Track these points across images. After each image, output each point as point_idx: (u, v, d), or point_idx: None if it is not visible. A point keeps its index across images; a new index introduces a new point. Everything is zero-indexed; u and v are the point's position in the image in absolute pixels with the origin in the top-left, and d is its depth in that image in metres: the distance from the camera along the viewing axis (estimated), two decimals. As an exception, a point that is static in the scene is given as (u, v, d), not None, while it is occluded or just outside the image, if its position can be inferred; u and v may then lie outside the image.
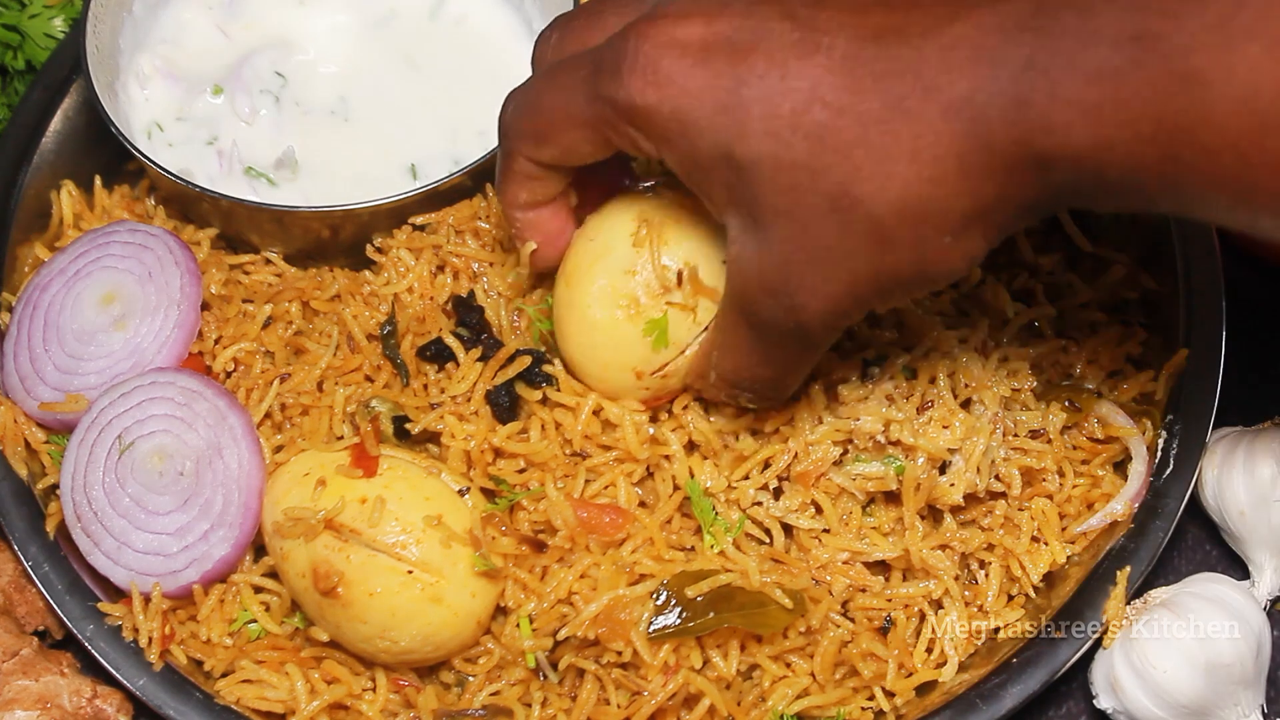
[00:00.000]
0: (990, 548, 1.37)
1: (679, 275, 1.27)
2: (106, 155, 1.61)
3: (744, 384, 1.27)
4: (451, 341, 1.40)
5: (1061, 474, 1.39)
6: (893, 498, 1.34)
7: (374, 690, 1.35)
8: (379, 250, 1.50)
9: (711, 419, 1.35)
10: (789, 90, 1.05)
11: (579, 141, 1.18)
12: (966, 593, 1.36)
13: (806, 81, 1.04)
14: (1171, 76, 0.91)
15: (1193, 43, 0.90)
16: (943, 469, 1.32)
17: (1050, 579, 1.38)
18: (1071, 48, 0.95)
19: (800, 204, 1.06)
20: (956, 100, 1.00)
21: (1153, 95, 0.92)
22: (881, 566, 1.36)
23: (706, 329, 1.29)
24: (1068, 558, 1.38)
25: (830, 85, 1.04)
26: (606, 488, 1.35)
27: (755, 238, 1.11)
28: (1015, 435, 1.37)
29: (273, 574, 1.38)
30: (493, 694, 1.33)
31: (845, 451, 1.33)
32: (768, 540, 1.34)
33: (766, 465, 1.34)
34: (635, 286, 1.29)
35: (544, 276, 1.41)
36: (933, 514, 1.36)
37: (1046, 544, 1.38)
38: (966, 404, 1.33)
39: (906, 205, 1.03)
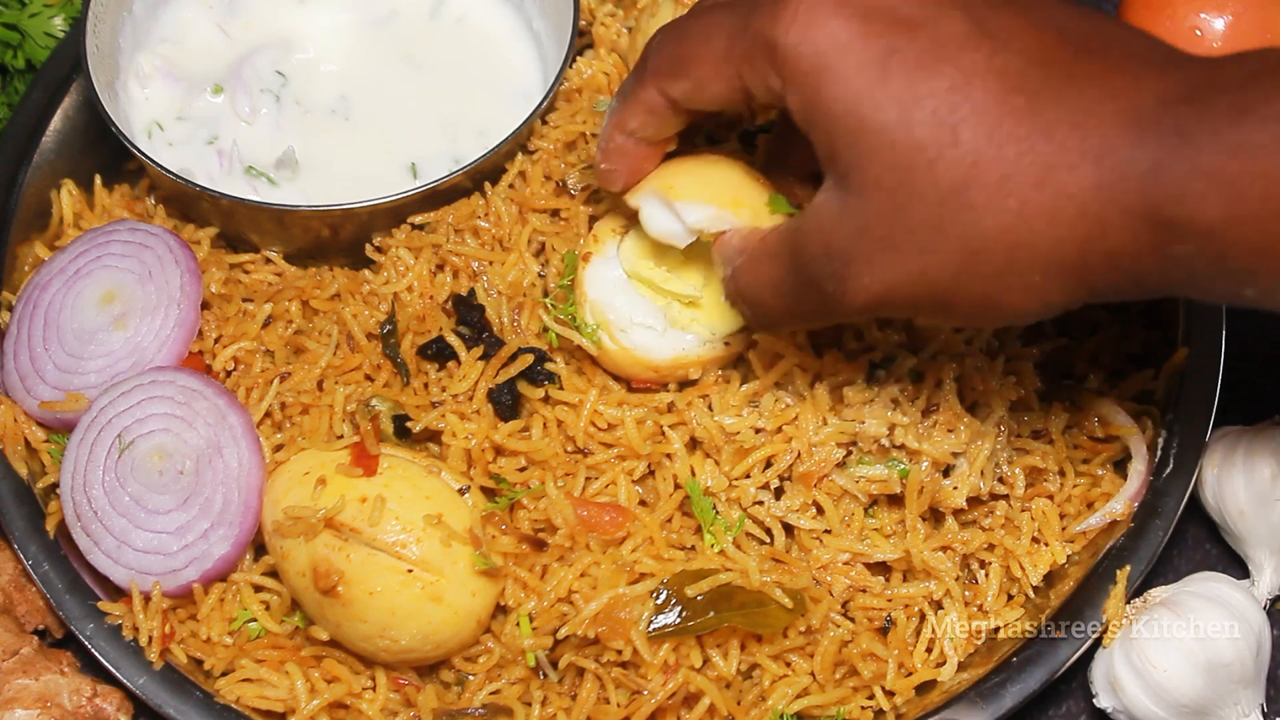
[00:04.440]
0: (991, 548, 1.37)
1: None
2: (106, 154, 1.61)
3: (750, 300, 1.24)
4: (453, 340, 1.40)
5: (1062, 473, 1.39)
6: (895, 500, 1.34)
7: (374, 689, 1.35)
8: (378, 249, 1.50)
9: (715, 416, 1.35)
10: (939, 74, 1.02)
11: (713, 78, 1.15)
12: (966, 593, 1.36)
13: (960, 73, 1.02)
14: None
15: None
16: (946, 472, 1.32)
17: (1050, 578, 1.38)
18: (1220, 124, 0.94)
19: (905, 186, 1.03)
20: (1100, 147, 0.98)
21: None
22: (882, 567, 1.35)
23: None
24: (1068, 557, 1.38)
25: (982, 86, 1.01)
26: (607, 486, 1.35)
27: (842, 200, 1.08)
28: (1018, 435, 1.37)
29: (273, 573, 1.38)
30: (493, 693, 1.33)
31: (849, 453, 1.32)
32: (768, 540, 1.34)
33: (768, 464, 1.34)
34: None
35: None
36: (934, 515, 1.36)
37: (1047, 544, 1.38)
38: (972, 407, 1.33)
39: (1014, 227, 1.01)
